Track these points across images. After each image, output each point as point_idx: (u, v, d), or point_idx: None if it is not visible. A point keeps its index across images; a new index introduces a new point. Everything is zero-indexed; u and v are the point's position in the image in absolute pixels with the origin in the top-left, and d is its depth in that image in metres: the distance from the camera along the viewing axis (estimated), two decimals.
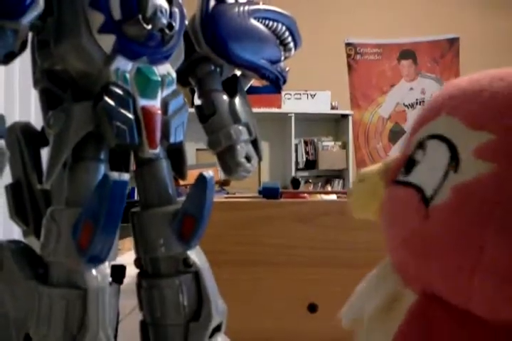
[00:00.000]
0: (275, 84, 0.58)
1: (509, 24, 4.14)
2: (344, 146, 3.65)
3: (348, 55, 4.05)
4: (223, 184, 2.34)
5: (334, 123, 3.85)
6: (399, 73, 4.09)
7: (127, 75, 0.44)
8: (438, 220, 0.25)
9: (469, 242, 0.24)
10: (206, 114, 0.55)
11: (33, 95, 1.90)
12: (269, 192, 0.79)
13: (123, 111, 0.43)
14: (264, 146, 3.53)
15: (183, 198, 0.48)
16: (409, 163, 0.29)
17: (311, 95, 3.59)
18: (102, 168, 0.45)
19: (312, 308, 0.74)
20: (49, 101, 0.47)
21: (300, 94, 3.55)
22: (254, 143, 0.56)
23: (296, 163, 3.59)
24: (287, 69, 0.59)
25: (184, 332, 0.48)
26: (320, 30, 3.92)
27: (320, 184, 3.66)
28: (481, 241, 0.23)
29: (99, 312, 0.43)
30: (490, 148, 0.24)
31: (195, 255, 0.49)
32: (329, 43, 3.97)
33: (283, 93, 3.44)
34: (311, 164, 3.65)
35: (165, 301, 0.48)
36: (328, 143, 3.68)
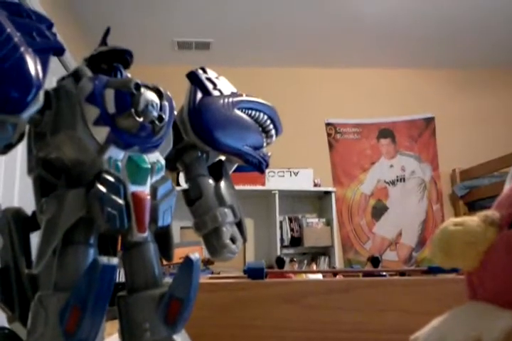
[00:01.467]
0: (258, 168, 0.62)
1: (483, 103, 4.35)
2: (328, 223, 3.67)
3: (329, 135, 4.19)
4: (208, 263, 2.31)
5: (318, 200, 3.89)
6: (378, 151, 4.21)
7: (119, 163, 0.46)
8: None
9: None
10: (193, 198, 0.57)
11: (17, 182, 1.94)
12: (254, 273, 0.79)
13: (114, 197, 0.45)
14: (249, 224, 3.56)
15: (168, 278, 0.49)
16: None
17: (294, 173, 3.67)
18: (92, 252, 0.46)
19: None
20: (42, 189, 0.49)
21: (283, 172, 3.63)
22: (239, 225, 0.58)
23: (282, 240, 3.57)
24: (269, 154, 0.63)
25: None
26: (301, 111, 4.09)
27: (306, 261, 3.63)
28: None
29: None
30: None
31: (181, 340, 0.49)
32: (310, 123, 4.12)
33: (267, 171, 3.52)
34: (296, 241, 3.63)
35: None
36: (312, 220, 3.71)
